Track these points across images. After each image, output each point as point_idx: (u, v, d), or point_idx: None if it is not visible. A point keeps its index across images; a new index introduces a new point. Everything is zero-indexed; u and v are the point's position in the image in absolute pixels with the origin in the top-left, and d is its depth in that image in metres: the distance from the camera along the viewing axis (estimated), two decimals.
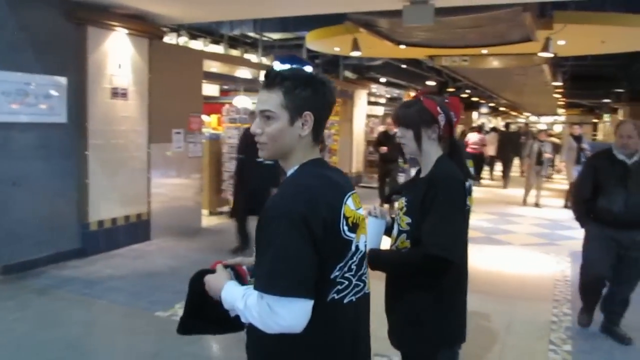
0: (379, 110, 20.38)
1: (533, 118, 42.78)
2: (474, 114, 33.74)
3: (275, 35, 11.12)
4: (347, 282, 1.62)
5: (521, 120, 42.09)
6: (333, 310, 1.59)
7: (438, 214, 2.16)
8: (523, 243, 8.16)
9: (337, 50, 10.42)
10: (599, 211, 4.24)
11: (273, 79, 1.63)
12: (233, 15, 7.61)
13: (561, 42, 8.47)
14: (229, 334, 1.91)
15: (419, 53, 10.66)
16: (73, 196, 6.41)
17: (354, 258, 1.64)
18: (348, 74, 14.33)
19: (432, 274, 2.20)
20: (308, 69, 6.95)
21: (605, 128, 28.25)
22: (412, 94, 21.04)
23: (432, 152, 2.37)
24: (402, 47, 9.49)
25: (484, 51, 9.86)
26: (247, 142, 6.54)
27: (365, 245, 1.71)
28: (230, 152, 9.47)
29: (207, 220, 8.92)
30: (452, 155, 2.40)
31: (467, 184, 2.35)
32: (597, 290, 4.49)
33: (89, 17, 6.28)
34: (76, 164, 6.39)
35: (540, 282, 6.17)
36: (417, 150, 2.38)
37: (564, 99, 19.13)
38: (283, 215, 1.50)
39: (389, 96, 20.34)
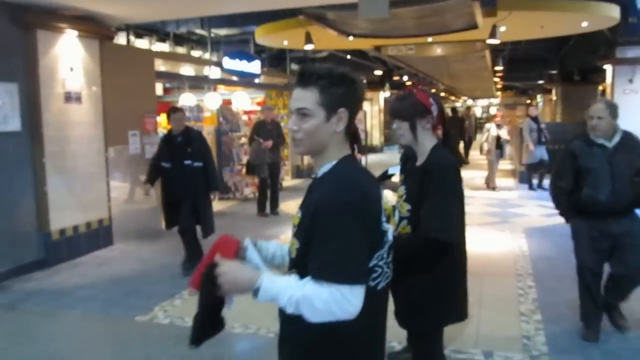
0: None
1: (469, 102, 44.10)
2: None
3: (222, 32, 11.02)
4: (380, 270, 1.71)
5: (458, 104, 43.34)
6: (372, 296, 1.67)
7: (435, 199, 2.30)
8: (479, 223, 8.50)
9: (285, 44, 10.45)
10: (584, 202, 3.85)
11: (308, 78, 1.69)
12: (184, 13, 7.51)
13: (502, 29, 8.84)
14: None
15: (366, 44, 10.84)
16: (32, 206, 6.22)
17: (385, 247, 1.74)
18: (294, 67, 14.37)
19: (432, 256, 2.34)
20: (256, 63, 7.07)
21: (537, 108, 29.51)
22: None
23: (427, 141, 2.51)
24: (351, 38, 9.63)
25: (429, 39, 10.14)
26: (172, 147, 5.93)
27: (393, 235, 1.80)
28: None
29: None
30: (445, 143, 2.55)
31: None
32: (597, 290, 4.12)
33: (38, 21, 6.08)
34: (33, 172, 6.19)
35: (502, 259, 6.49)
36: (414, 140, 2.51)
37: (501, 82, 19.88)
38: (343, 207, 1.57)
39: None
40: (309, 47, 8.75)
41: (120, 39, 8.16)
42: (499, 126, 11.58)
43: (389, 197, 2.53)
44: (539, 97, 29.12)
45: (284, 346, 1.81)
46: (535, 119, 11.24)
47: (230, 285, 1.68)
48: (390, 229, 1.76)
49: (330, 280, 1.52)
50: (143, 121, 7.87)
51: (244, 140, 11.28)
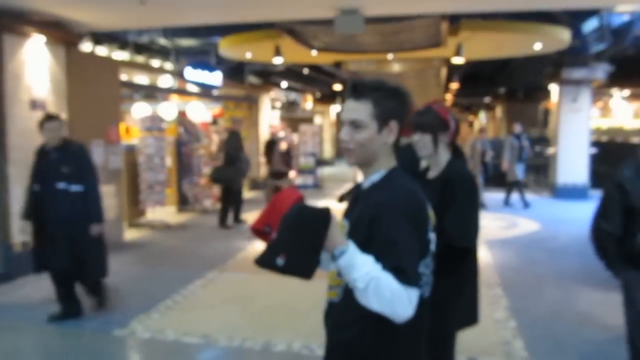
0: (276, 115, 20.64)
1: None
2: None
3: (183, 42, 10.91)
4: (426, 279, 1.79)
5: None
6: (420, 304, 1.72)
7: (460, 208, 2.41)
8: None
9: (249, 56, 10.46)
10: None
11: (362, 91, 1.76)
12: (154, 22, 7.41)
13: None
14: None
15: (329, 58, 11.00)
16: None
17: (430, 255, 1.81)
18: (252, 79, 14.37)
19: (455, 262, 2.44)
20: (218, 74, 7.05)
21: (480, 124, 30.64)
22: (309, 97, 21.58)
23: (443, 154, 2.63)
24: (314, 52, 9.76)
25: (390, 56, 10.40)
26: (43, 165, 4.74)
27: (434, 243, 1.87)
28: (147, 162, 9.20)
29: (128, 234, 8.60)
30: (457, 156, 2.67)
31: None
32: None
33: (5, 24, 5.86)
34: None
35: None
36: (434, 153, 2.62)
37: (452, 99, 20.57)
38: (403, 213, 1.66)
39: (283, 101, 20.60)
40: (278, 60, 8.81)
41: (84, 46, 7.95)
42: (482, 141, 11.13)
43: None
44: (482, 114, 30.23)
45: (334, 355, 1.84)
46: (517, 136, 11.08)
47: (332, 237, 1.62)
48: (434, 238, 1.83)
49: (406, 283, 1.59)
50: (107, 131, 7.68)
51: (202, 151, 11.20)
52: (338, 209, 1.78)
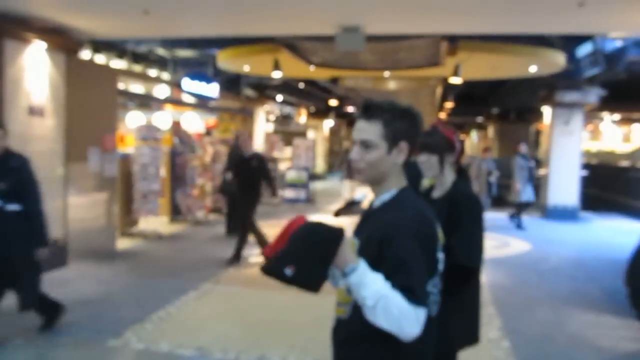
0: (270, 128, 20.69)
1: None
2: None
3: (181, 52, 10.96)
4: (434, 298, 1.82)
5: None
6: (428, 323, 1.74)
7: (467, 229, 2.45)
8: None
9: (247, 69, 10.52)
10: None
11: (373, 111, 1.79)
12: (156, 33, 7.46)
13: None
14: None
15: (326, 74, 11.09)
16: None
17: (438, 274, 1.83)
18: (248, 91, 14.44)
19: (460, 282, 2.47)
20: (215, 86, 7.07)
21: (471, 143, 30.90)
22: (303, 111, 21.68)
23: (448, 174, 2.67)
24: (312, 68, 9.84)
25: (387, 73, 10.51)
26: None
27: (442, 262, 1.89)
28: (142, 171, 9.19)
29: (120, 243, 8.55)
30: (462, 177, 2.71)
31: None
32: None
33: (6, 29, 5.87)
34: None
35: None
36: (439, 173, 2.66)
37: (446, 118, 20.78)
38: (413, 233, 1.68)
39: (277, 114, 20.67)
40: (277, 74, 8.87)
41: (84, 54, 7.97)
42: (487, 161, 10.84)
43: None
44: (474, 133, 30.48)
45: (341, 348, 1.87)
46: (524, 156, 10.84)
47: (342, 254, 1.64)
48: (442, 257, 1.86)
49: (415, 302, 1.61)
50: (103, 138, 7.67)
51: (197, 162, 11.19)
52: (336, 223, 1.79)
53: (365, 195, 2.79)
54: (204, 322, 5.21)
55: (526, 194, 10.78)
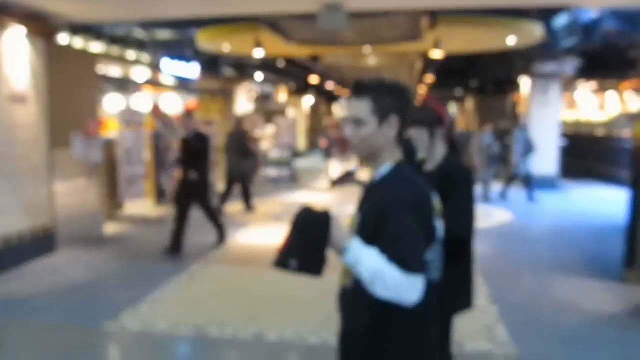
0: (250, 107, 20.57)
1: None
2: (336, 107, 35.26)
3: (161, 34, 10.80)
4: (435, 264, 1.92)
5: None
6: (430, 288, 1.86)
7: (459, 201, 2.54)
8: None
9: (226, 49, 10.44)
10: None
11: (362, 89, 1.88)
12: (137, 15, 7.35)
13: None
14: None
15: (306, 52, 11.06)
16: None
17: (438, 242, 1.93)
18: (228, 72, 14.33)
19: (454, 251, 2.57)
20: (195, 66, 7.04)
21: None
22: (283, 90, 21.58)
23: (439, 148, 2.75)
24: (293, 46, 9.80)
25: (367, 50, 10.51)
26: None
27: (448, 232, 2.01)
28: (126, 155, 9.14)
29: (107, 228, 8.53)
30: (453, 150, 2.80)
31: None
32: None
33: None
34: None
35: None
36: (430, 147, 2.75)
37: (425, 91, 20.86)
38: (407, 207, 1.77)
39: (256, 94, 20.53)
40: (258, 53, 8.83)
41: (62, 38, 7.84)
42: (487, 135, 10.88)
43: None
44: (453, 107, 30.66)
45: (349, 338, 1.94)
46: (523, 130, 11.00)
47: (336, 237, 1.82)
48: (441, 226, 1.95)
49: (408, 270, 1.71)
50: (86, 124, 7.60)
51: None
52: (322, 206, 1.89)
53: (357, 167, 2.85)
54: (198, 302, 5.29)
55: (526, 166, 10.88)
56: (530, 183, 11.05)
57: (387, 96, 1.87)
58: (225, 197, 9.73)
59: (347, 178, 2.89)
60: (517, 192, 11.91)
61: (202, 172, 7.00)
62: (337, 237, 1.81)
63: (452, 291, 2.63)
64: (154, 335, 4.47)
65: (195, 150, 6.91)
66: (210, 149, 7.60)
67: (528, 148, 10.80)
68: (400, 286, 1.69)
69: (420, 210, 1.80)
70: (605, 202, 11.07)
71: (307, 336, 4.34)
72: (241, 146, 9.71)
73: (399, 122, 1.89)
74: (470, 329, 4.50)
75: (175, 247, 6.88)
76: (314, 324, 4.57)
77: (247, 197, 10.01)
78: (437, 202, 1.94)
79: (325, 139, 14.54)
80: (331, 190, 13.07)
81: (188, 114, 7.20)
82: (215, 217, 7.41)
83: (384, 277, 1.70)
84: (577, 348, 4.21)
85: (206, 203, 7.25)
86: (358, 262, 1.75)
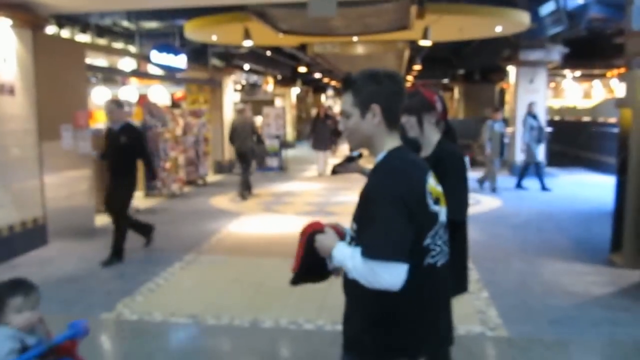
0: (237, 98, 20.51)
1: None
2: (322, 97, 35.23)
3: (146, 24, 10.73)
4: (438, 249, 1.95)
5: None
6: (430, 272, 1.91)
7: (452, 184, 2.58)
8: None
9: (214, 38, 10.40)
10: None
11: (345, 83, 1.96)
12: (123, 5, 7.30)
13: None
14: None
15: (294, 41, 11.04)
16: None
17: (441, 227, 1.97)
18: (216, 62, 14.26)
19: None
20: (182, 57, 7.01)
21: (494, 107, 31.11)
22: (270, 79, 21.52)
23: (432, 134, 2.80)
24: (281, 35, 9.79)
25: (355, 38, 10.53)
26: None
27: (445, 216, 2.01)
28: None
29: (98, 219, 8.50)
30: (447, 136, 2.84)
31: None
32: None
33: None
34: None
35: None
36: (420, 133, 2.79)
37: (413, 80, 20.92)
38: (385, 195, 1.82)
39: (244, 83, 20.48)
40: (247, 43, 8.81)
41: (49, 29, 7.77)
42: (499, 123, 10.47)
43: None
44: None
45: (355, 317, 1.99)
46: (534, 116, 10.71)
47: (322, 248, 1.99)
48: (441, 210, 1.97)
49: (367, 257, 1.80)
50: (75, 115, 7.56)
51: (168, 135, 11.12)
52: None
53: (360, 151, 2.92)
54: (193, 291, 5.33)
55: (538, 154, 10.67)
56: (542, 171, 10.88)
57: (366, 86, 1.91)
58: (246, 177, 10.51)
59: (348, 163, 2.91)
60: (503, 179, 12.04)
61: (131, 171, 6.19)
62: (324, 248, 1.96)
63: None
64: (150, 324, 4.50)
65: (124, 145, 6.04)
66: (145, 144, 6.86)
67: (540, 135, 10.57)
68: (366, 276, 1.80)
69: (398, 197, 1.80)
70: (592, 187, 11.25)
71: (302, 322, 4.40)
72: (253, 132, 10.51)
73: (382, 110, 1.92)
74: (462, 312, 4.56)
75: (119, 255, 6.23)
76: (308, 310, 4.62)
77: (247, 183, 10.61)
78: (433, 186, 1.95)
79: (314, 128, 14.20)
80: (322, 179, 13.13)
81: (116, 103, 6.39)
82: (123, 229, 6.32)
83: (356, 271, 1.83)
84: (566, 329, 4.31)
85: (125, 211, 6.35)
86: (343, 262, 1.88)
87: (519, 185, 11.03)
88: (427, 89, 2.83)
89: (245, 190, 10.46)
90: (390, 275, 1.78)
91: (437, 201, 1.95)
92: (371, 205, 1.83)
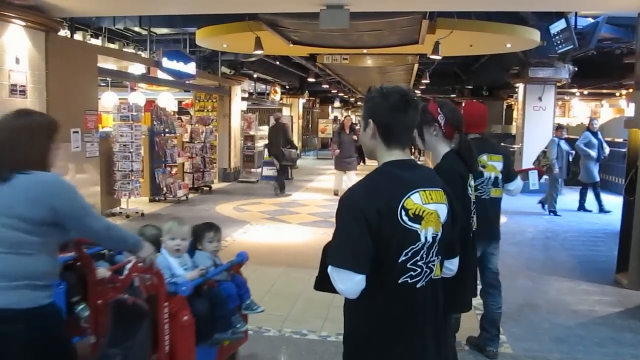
0: (244, 106, 20.56)
1: None
2: (329, 108, 35.35)
3: (157, 30, 10.82)
4: (419, 270, 1.86)
5: None
6: (405, 292, 1.85)
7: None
8: None
9: (225, 46, 10.47)
10: None
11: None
12: (137, 10, 7.38)
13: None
14: None
15: (303, 51, 11.10)
16: None
17: (424, 248, 1.86)
18: (224, 69, 14.34)
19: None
20: (192, 64, 7.16)
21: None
22: (278, 88, 21.61)
23: (439, 147, 2.82)
24: (291, 45, 9.84)
25: (364, 50, 10.57)
26: None
27: (433, 236, 1.89)
28: (122, 150, 9.15)
29: None
30: (461, 150, 2.82)
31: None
32: None
33: None
34: None
35: None
36: (422, 145, 2.82)
37: (421, 95, 20.99)
38: (345, 204, 1.86)
39: (252, 91, 20.55)
40: (258, 52, 8.86)
41: (62, 32, 7.85)
42: (563, 140, 9.77)
43: None
44: None
45: (346, 341, 2.00)
46: (595, 134, 10.06)
47: None
48: (428, 230, 1.86)
49: (327, 262, 1.85)
50: (84, 118, 7.61)
51: (175, 141, 11.18)
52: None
53: None
54: None
55: (596, 174, 10.10)
56: (599, 192, 10.33)
57: (367, 101, 1.98)
58: (281, 177, 12.15)
59: None
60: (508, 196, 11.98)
61: None
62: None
63: (447, 292, 2.66)
64: None
65: None
66: None
67: (600, 153, 9.96)
68: (332, 281, 1.82)
69: (363, 209, 1.78)
70: (596, 206, 11.19)
71: (305, 332, 4.38)
72: (287, 138, 12.08)
73: (376, 124, 1.93)
74: (467, 328, 4.56)
75: None
76: (310, 321, 4.61)
77: (282, 183, 12.19)
78: (417, 203, 1.85)
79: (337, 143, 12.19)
80: (325, 191, 13.13)
81: None
82: None
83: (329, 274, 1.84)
84: (571, 347, 4.28)
85: None
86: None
87: (581, 208, 10.44)
88: (433, 102, 2.83)
89: (278, 189, 11.96)
90: (343, 283, 1.79)
91: (416, 219, 1.84)
92: (337, 214, 1.87)
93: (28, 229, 2.15)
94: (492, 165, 3.88)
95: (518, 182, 4.20)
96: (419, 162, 2.13)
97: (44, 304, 2.20)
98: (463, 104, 3.50)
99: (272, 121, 13.10)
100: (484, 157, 3.82)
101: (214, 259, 3.50)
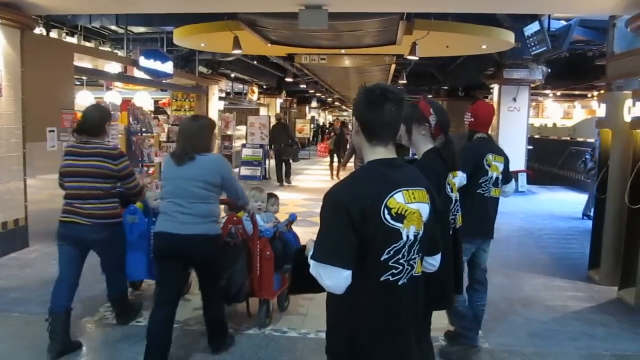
0: (221, 105, 20.44)
1: None
2: (307, 108, 35.35)
3: (135, 29, 10.72)
4: (401, 267, 1.90)
5: (346, 113, 44.97)
6: (387, 290, 1.90)
7: None
8: None
9: (203, 45, 10.42)
10: None
11: None
12: (113, 9, 7.31)
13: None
14: None
15: (281, 51, 11.11)
16: None
17: (405, 246, 1.90)
18: (202, 69, 14.26)
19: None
20: (169, 63, 7.32)
21: None
22: (255, 88, 21.56)
23: (422, 145, 2.87)
24: (269, 44, 9.85)
25: (342, 51, 10.63)
26: None
27: (415, 235, 1.93)
28: None
29: None
30: (443, 149, 2.87)
31: (460, 174, 2.92)
32: None
33: None
34: None
35: None
36: (409, 141, 2.88)
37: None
38: (330, 201, 1.90)
39: (229, 91, 20.46)
40: (237, 51, 8.85)
41: (37, 30, 7.73)
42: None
43: None
44: None
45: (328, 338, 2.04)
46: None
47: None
48: (409, 229, 1.90)
49: (312, 258, 1.88)
50: (60, 117, 7.51)
51: (152, 141, 11.06)
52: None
53: None
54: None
55: None
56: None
57: (356, 99, 2.01)
58: (281, 171, 13.80)
59: None
60: None
61: None
62: (306, 254, 2.00)
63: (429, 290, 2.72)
64: (135, 327, 4.49)
65: None
66: None
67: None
68: (317, 277, 1.86)
69: (347, 205, 1.82)
70: (571, 205, 11.45)
71: (286, 330, 4.41)
72: (288, 135, 14.02)
73: (359, 122, 2.01)
74: (444, 323, 4.64)
75: None
76: (290, 319, 4.64)
77: (288, 174, 14.06)
78: (400, 203, 1.88)
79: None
80: (305, 190, 13.16)
81: None
82: None
83: (312, 270, 1.89)
84: (546, 341, 4.40)
85: None
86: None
87: (585, 215, 9.84)
88: (425, 102, 2.89)
89: (280, 180, 13.73)
90: (329, 279, 1.83)
91: (398, 217, 1.88)
92: (322, 210, 1.90)
93: (209, 188, 3.61)
94: (496, 166, 4.00)
95: (513, 185, 4.35)
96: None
97: (219, 233, 3.87)
98: (473, 104, 3.67)
99: (273, 120, 15.30)
100: (490, 157, 3.94)
101: (274, 217, 4.88)
